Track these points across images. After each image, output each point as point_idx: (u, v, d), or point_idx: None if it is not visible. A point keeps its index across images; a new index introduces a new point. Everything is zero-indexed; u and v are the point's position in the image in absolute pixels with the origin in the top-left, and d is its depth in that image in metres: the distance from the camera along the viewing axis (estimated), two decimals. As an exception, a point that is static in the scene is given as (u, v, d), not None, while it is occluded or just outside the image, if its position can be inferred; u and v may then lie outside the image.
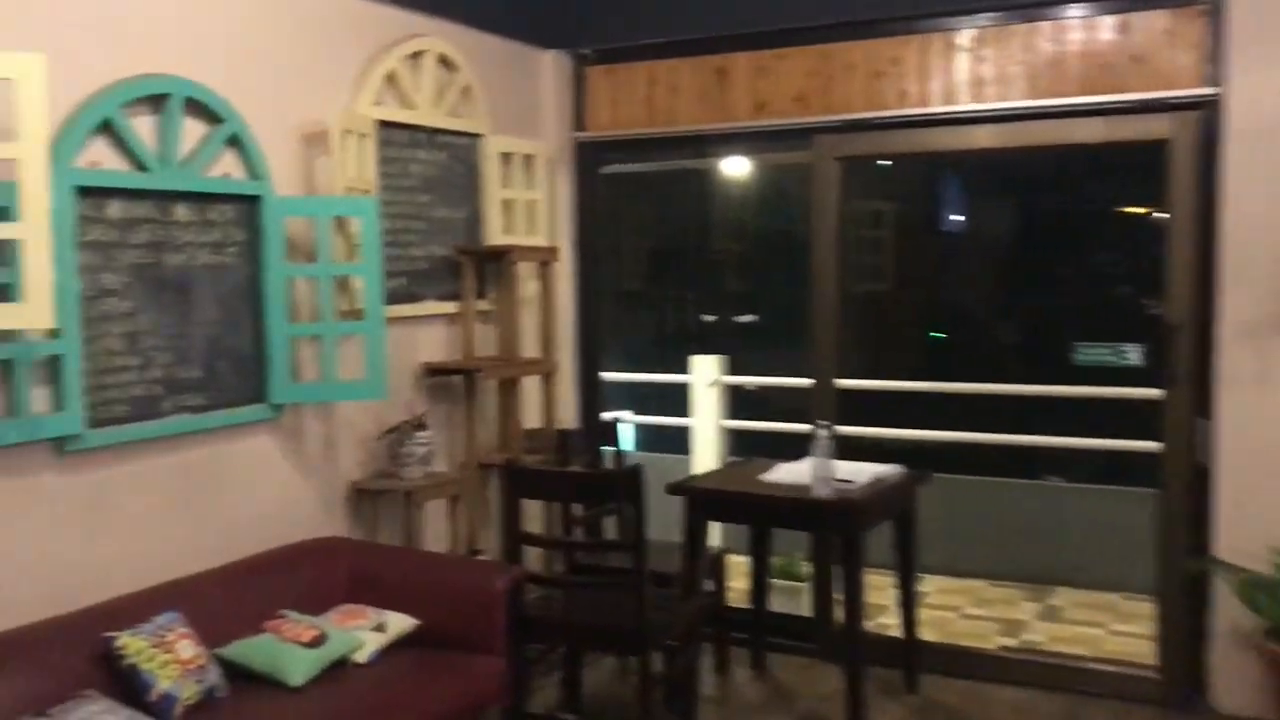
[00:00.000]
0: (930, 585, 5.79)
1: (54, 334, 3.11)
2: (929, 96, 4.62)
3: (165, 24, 3.45)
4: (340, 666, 3.43)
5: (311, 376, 3.98)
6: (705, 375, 6.31)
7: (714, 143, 5.37)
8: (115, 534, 3.34)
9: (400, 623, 3.66)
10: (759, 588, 4.79)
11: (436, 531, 4.43)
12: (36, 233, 2.83)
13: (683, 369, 6.34)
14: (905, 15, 4.63)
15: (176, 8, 3.49)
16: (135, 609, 3.19)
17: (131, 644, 3.03)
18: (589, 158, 5.38)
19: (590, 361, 5.45)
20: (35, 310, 2.84)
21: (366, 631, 3.58)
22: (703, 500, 4.20)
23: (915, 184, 8.56)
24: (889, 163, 7.60)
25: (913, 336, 8.59)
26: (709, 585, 4.48)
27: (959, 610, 5.61)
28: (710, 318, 8.63)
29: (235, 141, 3.68)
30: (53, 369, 3.14)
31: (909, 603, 4.50)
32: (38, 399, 3.11)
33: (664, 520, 4.20)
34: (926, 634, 4.73)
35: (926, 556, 4.71)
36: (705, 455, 6.16)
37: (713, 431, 6.24)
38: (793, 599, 5.10)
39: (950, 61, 4.56)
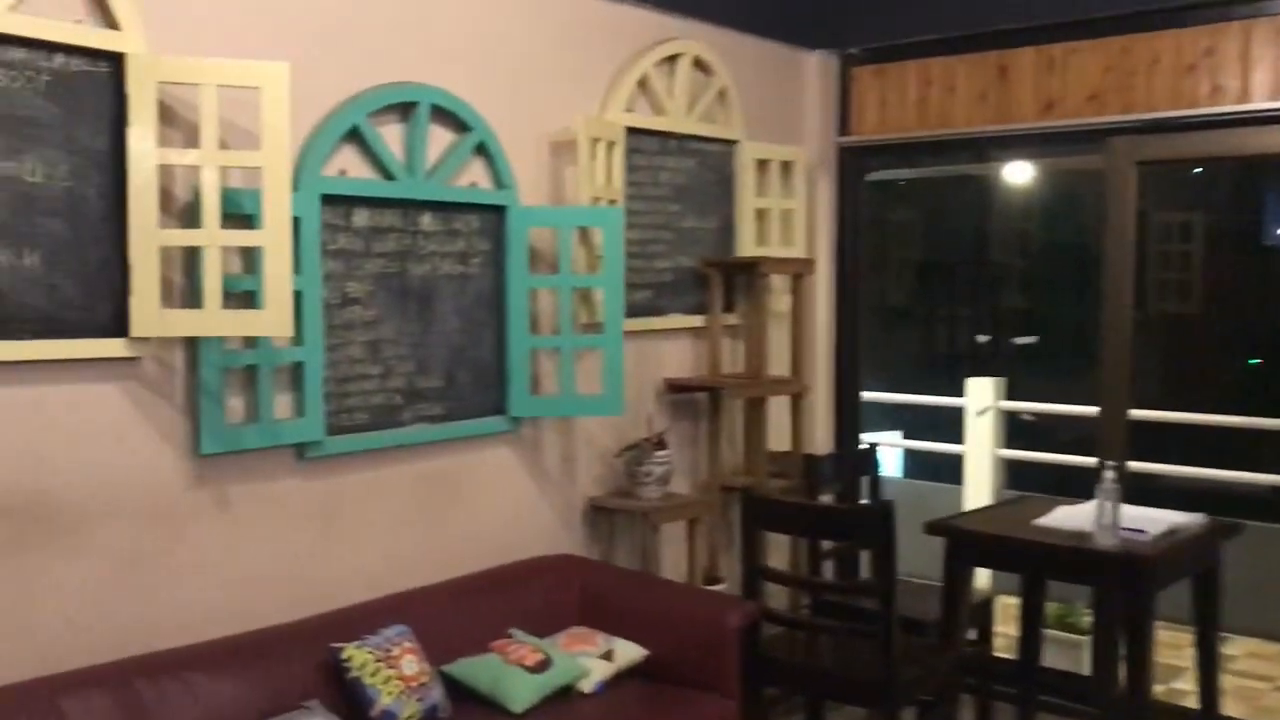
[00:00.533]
0: (1236, 648, 5.06)
1: (297, 341, 3.14)
2: (1252, 91, 3.98)
3: (413, 32, 3.44)
4: (564, 695, 3.28)
5: (551, 389, 3.88)
6: (978, 400, 5.82)
7: (993, 146, 4.90)
8: (349, 542, 3.34)
9: (629, 652, 3.48)
10: (1030, 639, 4.28)
11: (673, 556, 4.24)
12: (278, 241, 2.85)
13: (952, 391, 5.87)
14: (1222, 0, 4.02)
15: (425, 16, 3.48)
16: (364, 619, 3.17)
17: (357, 656, 3.00)
18: (852, 164, 5.04)
19: (847, 381, 5.10)
20: (274, 318, 2.86)
21: (593, 659, 3.42)
22: (967, 543, 3.78)
23: (1231, 192, 7.62)
24: (1199, 169, 6.77)
25: (1224, 364, 7.64)
26: (971, 634, 4.04)
27: (1272, 681, 4.85)
28: (985, 338, 8.02)
29: (482, 150, 3.63)
30: (295, 375, 3.17)
31: (1209, 668, 3.87)
32: (280, 405, 3.14)
33: (928, 554, 3.82)
34: (1230, 707, 4.08)
35: (1233, 615, 4.06)
36: (977, 487, 5.66)
37: (986, 461, 5.73)
38: (1070, 654, 4.56)
39: (1280, 48, 3.92)
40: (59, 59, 2.66)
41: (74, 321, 2.71)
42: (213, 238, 2.81)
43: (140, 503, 2.87)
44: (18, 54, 2.59)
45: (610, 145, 3.98)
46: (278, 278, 2.86)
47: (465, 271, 3.63)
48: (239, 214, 2.91)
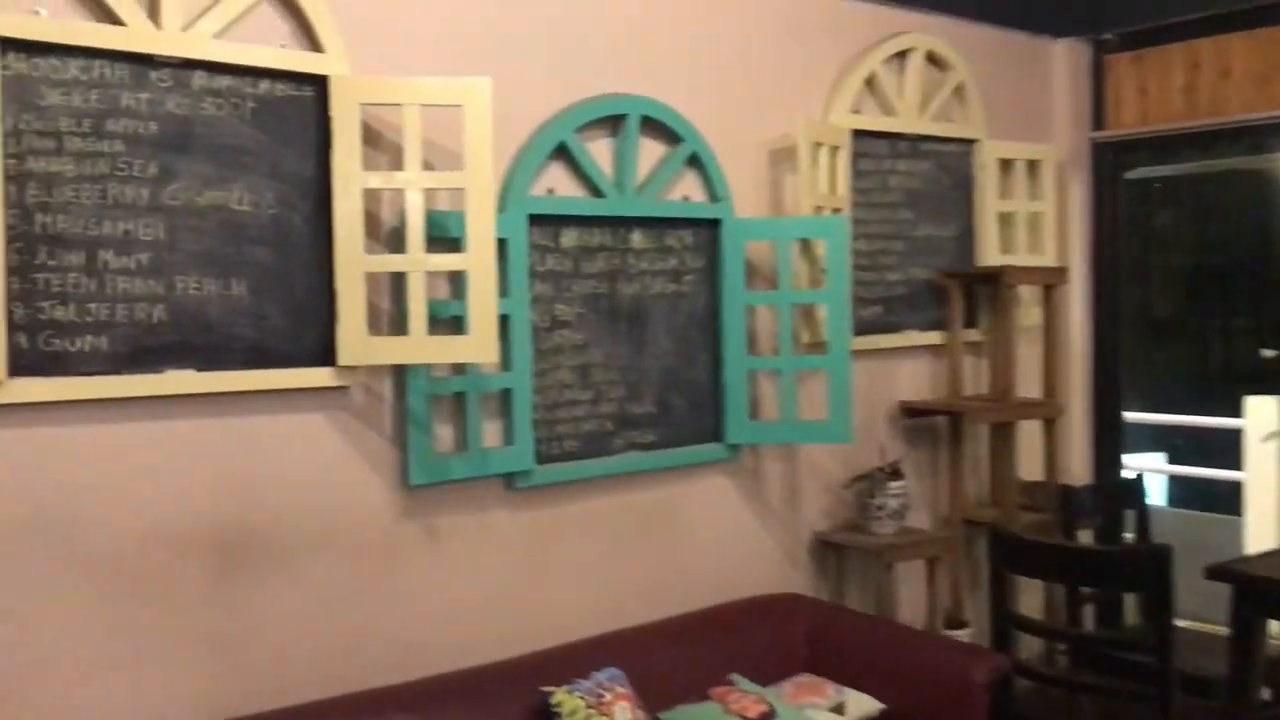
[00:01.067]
0: None
1: (505, 366, 3.02)
2: None
3: (620, 41, 3.27)
4: (789, 750, 3.00)
5: (771, 414, 3.62)
6: (1262, 421, 5.12)
7: (1276, 135, 4.29)
8: (560, 576, 3.18)
9: (861, 705, 3.15)
10: (1338, 704, 3.67)
11: (911, 597, 3.88)
12: (482, 264, 2.73)
13: (1227, 412, 5.21)
14: None
15: (632, 24, 3.30)
16: (575, 659, 2.99)
17: (567, 702, 2.82)
18: (1109, 161, 4.54)
19: (1108, 403, 4.58)
20: (479, 344, 2.73)
21: (823, 712, 3.12)
22: (1259, 590, 3.25)
23: None
24: None
25: None
26: (1265, 694, 3.48)
27: None
28: (1271, 352, 7.12)
29: (695, 161, 3.42)
30: (503, 402, 3.05)
31: None
32: (489, 433, 3.02)
33: (1206, 596, 3.32)
34: None
35: None
36: (1261, 521, 4.98)
37: (1274, 492, 5.03)
38: (1388, 723, 3.87)
39: None
40: (264, 85, 2.63)
41: (282, 351, 2.67)
42: (417, 262, 2.71)
43: (349, 535, 2.80)
44: (224, 81, 2.57)
45: (834, 150, 3.69)
46: (483, 302, 2.73)
47: (678, 290, 3.42)
48: (444, 237, 2.81)
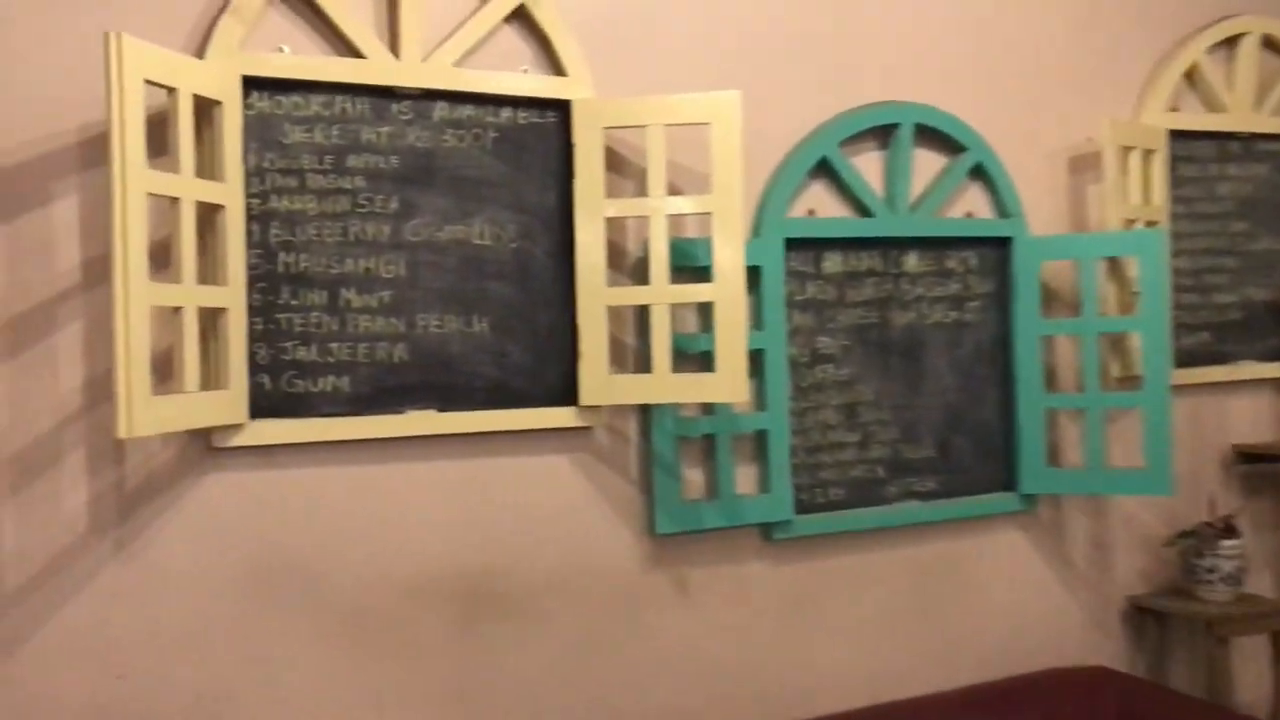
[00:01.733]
0: None
1: (759, 406, 2.76)
2: None
3: (887, 45, 2.95)
4: None
5: (1074, 460, 3.15)
6: None
7: None
8: (827, 637, 2.87)
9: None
10: None
11: (1250, 678, 3.27)
12: (730, 294, 2.49)
13: None
14: None
15: (898, 23, 2.97)
16: (841, 734, 2.68)
17: (829, 781, 2.52)
18: None
19: None
20: (726, 382, 2.49)
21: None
22: None
23: None
24: None
25: None
26: None
27: None
28: None
29: (979, 172, 3.04)
30: (759, 445, 2.79)
31: None
32: (743, 478, 2.77)
33: None
34: None
35: None
36: None
37: None
38: None
39: None
40: (505, 113, 2.52)
41: (523, 389, 2.54)
42: (660, 295, 2.51)
43: (593, 585, 2.63)
44: (465, 111, 2.48)
45: (1147, 154, 3.18)
46: (731, 336, 2.49)
47: (961, 318, 3.04)
48: (692, 266, 2.60)
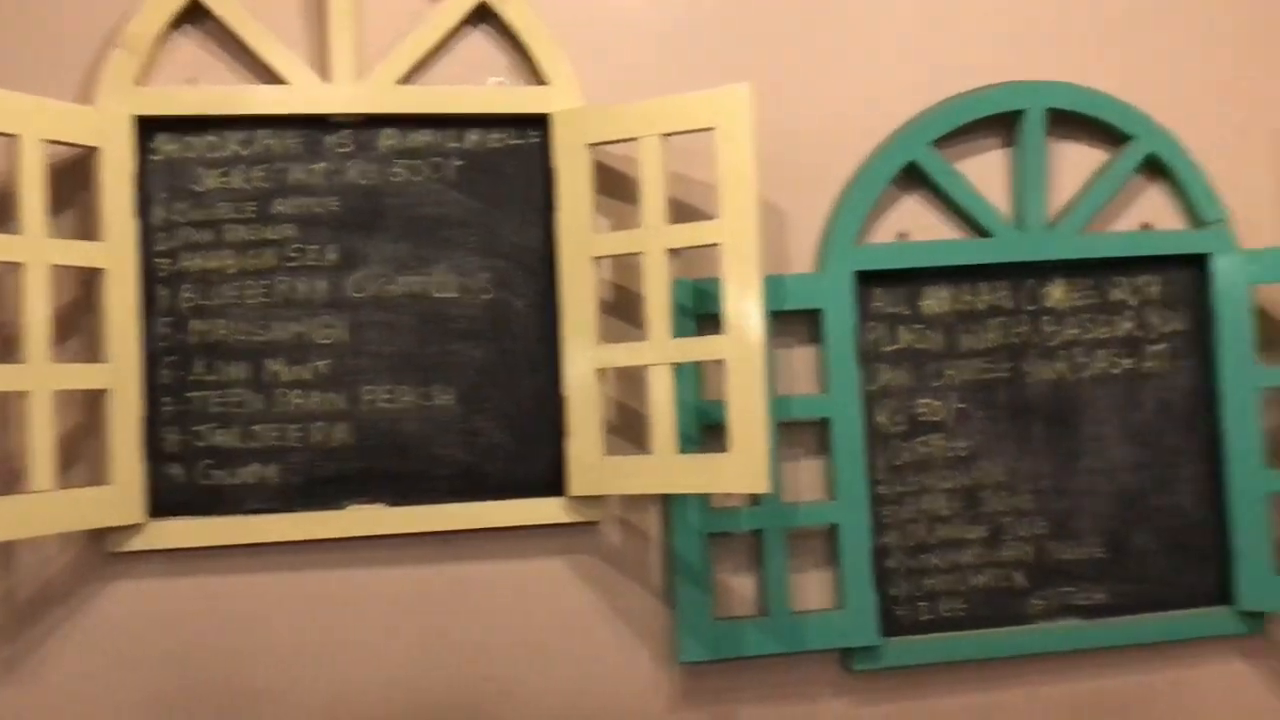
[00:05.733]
0: None
1: (830, 493, 2.10)
2: None
3: (996, 6, 2.22)
4: None
5: (1324, 565, 2.22)
6: None
7: None
8: (937, 807, 2.13)
9: None
10: None
11: None
12: (742, 350, 1.87)
13: None
14: None
15: (1039, -24, 2.23)
16: None
17: None
18: None
19: None
20: (741, 464, 1.87)
21: None
22: None
23: None
24: None
25: None
26: None
27: None
28: None
29: (1155, 168, 2.23)
30: (829, 544, 2.12)
31: None
32: (806, 588, 2.11)
33: None
34: None
35: None
36: None
37: None
38: None
39: None
40: (472, 136, 2.05)
41: (501, 476, 2.03)
42: (659, 353, 1.93)
43: (606, 723, 2.06)
44: (421, 137, 2.03)
45: None
46: (745, 404, 1.87)
47: (1137, 368, 2.22)
48: (712, 314, 2.00)
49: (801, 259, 2.14)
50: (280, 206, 1.99)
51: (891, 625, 2.13)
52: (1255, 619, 2.20)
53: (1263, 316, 2.22)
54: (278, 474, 1.98)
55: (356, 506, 1.99)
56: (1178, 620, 2.20)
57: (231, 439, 1.97)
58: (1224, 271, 2.20)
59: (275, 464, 1.98)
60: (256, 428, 1.98)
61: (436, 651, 2.02)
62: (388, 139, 2.02)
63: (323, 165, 2.01)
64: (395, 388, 2.02)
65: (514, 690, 2.04)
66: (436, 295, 2.03)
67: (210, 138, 1.97)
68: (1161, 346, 2.23)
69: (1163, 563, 2.22)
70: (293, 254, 2.00)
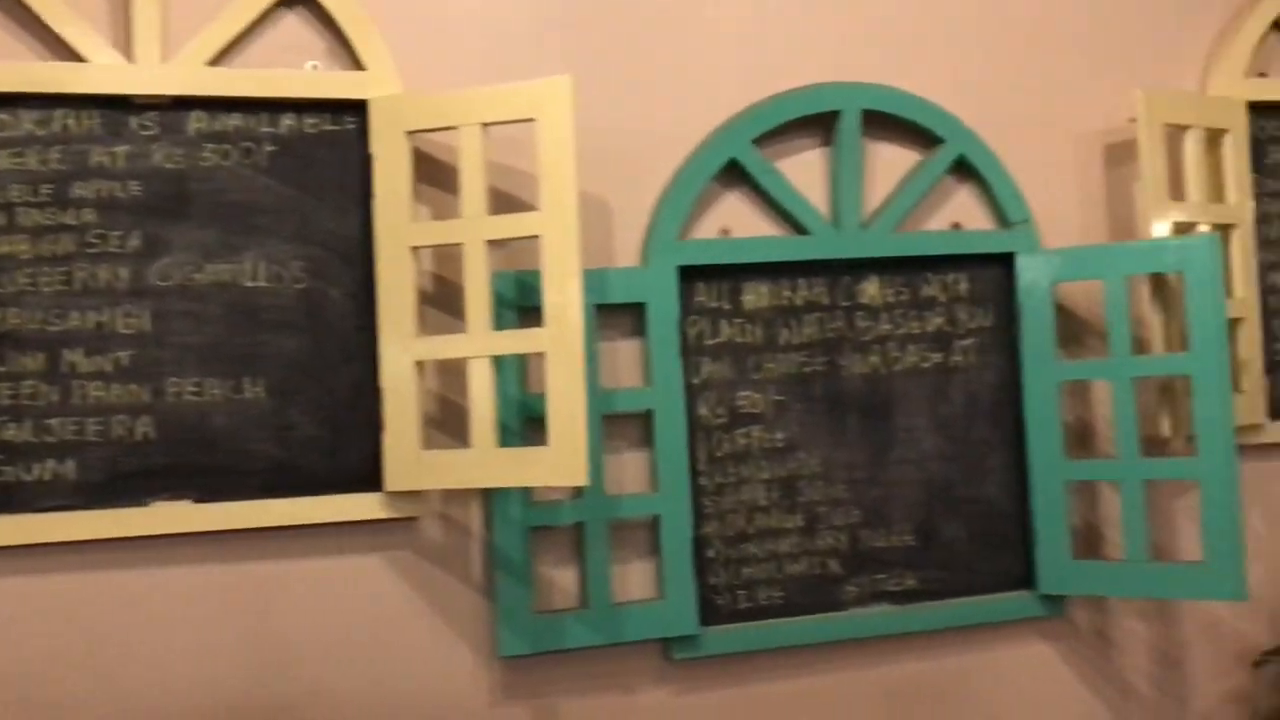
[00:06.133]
0: None
1: (651, 485, 2.12)
2: None
3: (816, 10, 2.28)
4: None
5: (1115, 550, 2.35)
6: None
7: None
8: (755, 792, 2.18)
9: None
10: None
11: None
12: (562, 343, 1.87)
13: None
14: None
15: (856, -18, 2.30)
16: None
17: None
18: None
19: None
20: (560, 457, 1.86)
21: None
22: None
23: None
24: None
25: None
26: None
27: None
28: None
29: (965, 170, 2.32)
30: (652, 535, 2.14)
31: None
32: (627, 580, 2.13)
33: None
34: None
35: None
36: None
37: None
38: None
39: None
40: (287, 120, 1.99)
41: (315, 471, 1.98)
42: (479, 344, 1.92)
43: (424, 721, 2.04)
44: (231, 121, 1.96)
45: (1215, 137, 2.38)
46: (565, 398, 1.87)
47: (946, 362, 2.31)
48: (534, 306, 1.99)
49: (627, 253, 2.16)
50: (80, 190, 1.90)
51: (711, 614, 2.16)
52: (1055, 602, 2.32)
53: (1064, 313, 2.33)
54: (75, 470, 1.89)
55: (161, 503, 1.91)
56: (984, 604, 2.30)
57: (24, 434, 1.87)
58: (1027, 270, 2.31)
59: (72, 460, 1.89)
60: (52, 422, 1.88)
61: (247, 652, 1.96)
62: (196, 122, 1.95)
63: (126, 148, 1.92)
64: (203, 380, 1.95)
65: (328, 690, 1.99)
66: (247, 284, 1.97)
67: (2, 115, 1.87)
68: (969, 342, 2.33)
69: (970, 549, 2.32)
70: (93, 240, 1.91)
